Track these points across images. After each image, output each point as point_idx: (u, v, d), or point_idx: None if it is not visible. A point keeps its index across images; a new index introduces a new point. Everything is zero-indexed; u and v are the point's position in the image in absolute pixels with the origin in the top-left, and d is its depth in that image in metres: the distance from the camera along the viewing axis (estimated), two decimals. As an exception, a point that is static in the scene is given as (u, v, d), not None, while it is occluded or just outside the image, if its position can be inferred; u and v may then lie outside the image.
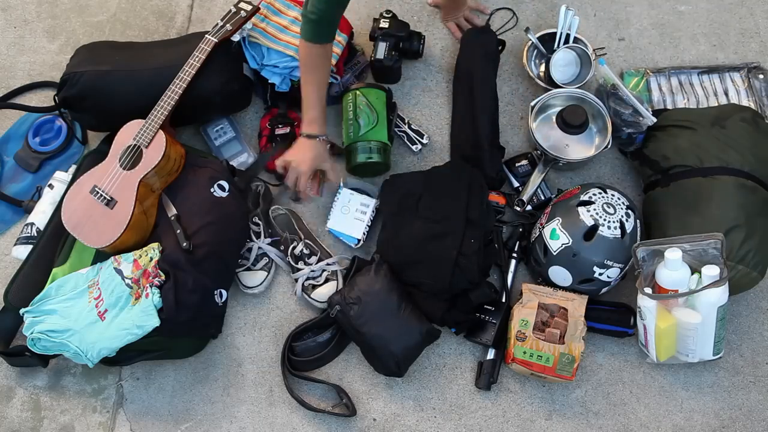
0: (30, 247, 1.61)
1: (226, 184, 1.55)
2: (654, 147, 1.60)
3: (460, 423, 1.51)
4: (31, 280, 1.56)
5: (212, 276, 1.49)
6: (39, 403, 1.56)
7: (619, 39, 1.84)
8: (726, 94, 1.74)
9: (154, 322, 1.40)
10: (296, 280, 1.60)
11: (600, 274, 1.44)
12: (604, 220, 1.41)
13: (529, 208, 1.61)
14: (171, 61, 1.60)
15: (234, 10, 1.64)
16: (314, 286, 1.60)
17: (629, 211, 1.44)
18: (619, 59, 1.80)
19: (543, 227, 1.49)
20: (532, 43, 1.75)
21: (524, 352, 1.44)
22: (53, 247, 1.59)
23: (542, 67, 1.77)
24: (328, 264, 1.59)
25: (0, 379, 1.59)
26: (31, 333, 1.44)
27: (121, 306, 1.43)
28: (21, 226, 1.67)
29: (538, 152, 1.64)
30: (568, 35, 1.74)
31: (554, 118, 1.65)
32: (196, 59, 1.57)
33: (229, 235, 1.55)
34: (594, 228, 1.41)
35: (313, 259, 1.60)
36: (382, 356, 1.46)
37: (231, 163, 1.68)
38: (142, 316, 1.40)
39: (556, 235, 1.45)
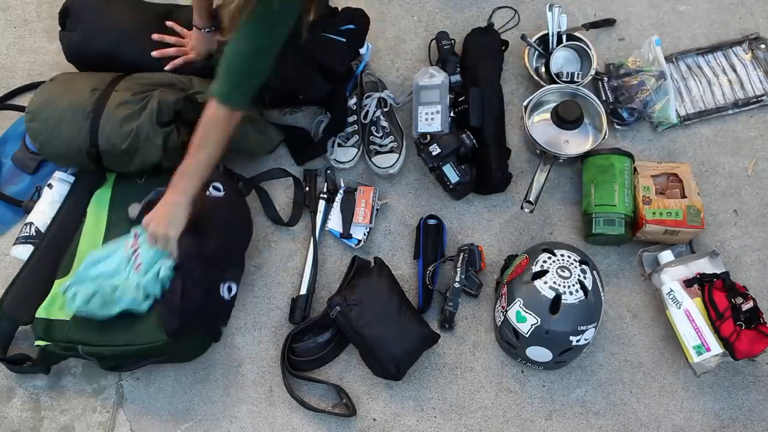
0: (29, 246, 1.60)
1: (220, 185, 1.55)
2: None
3: (460, 423, 1.51)
4: (28, 289, 1.55)
5: (218, 271, 1.49)
6: (39, 403, 1.56)
7: (619, 39, 1.84)
8: (734, 69, 1.76)
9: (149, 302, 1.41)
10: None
11: (578, 341, 1.40)
12: (564, 287, 1.37)
13: (527, 210, 1.59)
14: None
15: None
16: (378, 152, 1.66)
17: (584, 267, 1.40)
18: (619, 59, 1.79)
19: (506, 311, 1.44)
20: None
21: (653, 213, 1.53)
22: (53, 256, 1.56)
23: (542, 68, 1.77)
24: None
25: (0, 379, 1.59)
26: (75, 297, 1.41)
27: (155, 264, 1.42)
28: (20, 226, 1.67)
29: (538, 151, 1.64)
30: (560, 33, 1.75)
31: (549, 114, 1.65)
32: None
33: (232, 234, 1.55)
34: (557, 299, 1.37)
35: (384, 131, 1.67)
36: (382, 358, 1.46)
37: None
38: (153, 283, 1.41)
39: (522, 318, 1.40)
